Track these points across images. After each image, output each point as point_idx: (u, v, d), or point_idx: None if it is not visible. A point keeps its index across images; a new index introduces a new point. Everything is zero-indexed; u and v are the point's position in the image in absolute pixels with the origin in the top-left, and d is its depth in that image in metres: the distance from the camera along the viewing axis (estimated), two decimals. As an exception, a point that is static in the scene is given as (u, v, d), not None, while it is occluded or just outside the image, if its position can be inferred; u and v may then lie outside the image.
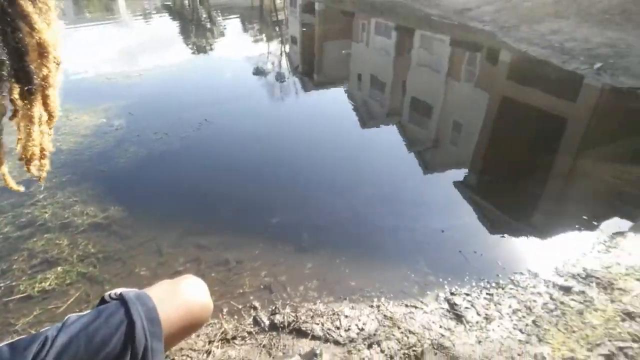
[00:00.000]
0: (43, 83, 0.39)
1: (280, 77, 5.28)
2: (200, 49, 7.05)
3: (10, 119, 0.41)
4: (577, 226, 2.14)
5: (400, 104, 4.79)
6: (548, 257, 1.89)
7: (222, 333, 1.45)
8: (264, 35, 8.51)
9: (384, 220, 2.25)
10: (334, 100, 4.73)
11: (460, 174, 2.88)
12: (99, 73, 5.22)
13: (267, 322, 1.49)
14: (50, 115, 0.42)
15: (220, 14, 11.76)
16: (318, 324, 1.48)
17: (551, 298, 1.57)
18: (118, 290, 0.79)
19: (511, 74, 5.22)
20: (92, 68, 5.46)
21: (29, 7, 0.35)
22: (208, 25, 9.92)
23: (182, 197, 2.52)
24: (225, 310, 1.60)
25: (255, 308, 1.59)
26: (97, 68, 5.45)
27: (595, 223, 2.12)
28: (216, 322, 1.51)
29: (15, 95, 0.37)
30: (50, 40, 0.37)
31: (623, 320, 1.42)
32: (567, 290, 1.60)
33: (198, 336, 1.44)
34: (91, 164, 2.79)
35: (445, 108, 4.61)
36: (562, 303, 1.54)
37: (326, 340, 1.41)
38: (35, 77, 0.38)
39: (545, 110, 4.01)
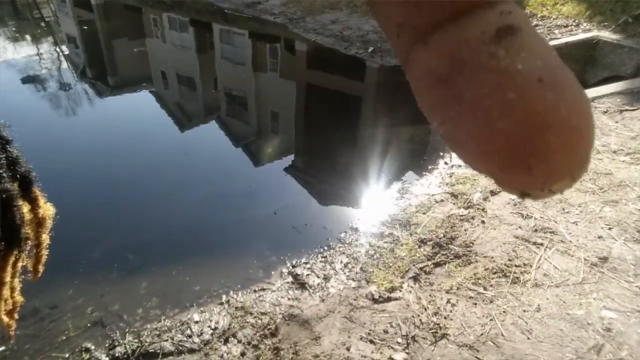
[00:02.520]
0: (39, 247, 0.46)
1: (63, 85, 4.47)
2: None
3: None
4: (379, 182, 2.58)
5: (216, 101, 4.73)
6: (363, 213, 2.23)
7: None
8: (26, 35, 6.99)
9: (217, 218, 2.23)
10: (141, 104, 4.31)
11: (287, 160, 3.07)
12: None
13: (106, 361, 1.31)
14: (37, 271, 0.47)
15: (-47, 10, 9.08)
16: (167, 339, 1.38)
17: (370, 245, 1.88)
18: None
19: (309, 62, 5.77)
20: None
21: (38, 192, 0.44)
22: (-63, 26, 7.52)
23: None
24: (45, 367, 1.32)
25: (88, 350, 1.37)
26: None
27: (391, 177, 2.60)
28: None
29: (11, 261, 0.41)
30: (48, 213, 0.45)
31: (419, 247, 1.81)
32: (380, 235, 1.94)
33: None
34: None
35: (260, 100, 4.79)
36: (378, 247, 1.85)
37: (180, 353, 1.33)
38: (27, 242, 0.44)
39: (344, 92, 4.62)
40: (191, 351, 1.34)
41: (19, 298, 0.46)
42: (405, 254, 1.76)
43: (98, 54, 6.53)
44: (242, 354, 1.33)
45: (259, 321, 1.46)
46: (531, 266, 1.54)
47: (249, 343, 1.36)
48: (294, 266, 1.79)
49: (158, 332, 1.41)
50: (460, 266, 1.61)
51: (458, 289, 1.49)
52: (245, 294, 1.62)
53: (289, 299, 1.58)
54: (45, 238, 0.47)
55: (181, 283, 1.70)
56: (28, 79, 4.47)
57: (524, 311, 1.37)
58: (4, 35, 7.08)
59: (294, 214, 2.28)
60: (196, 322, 1.46)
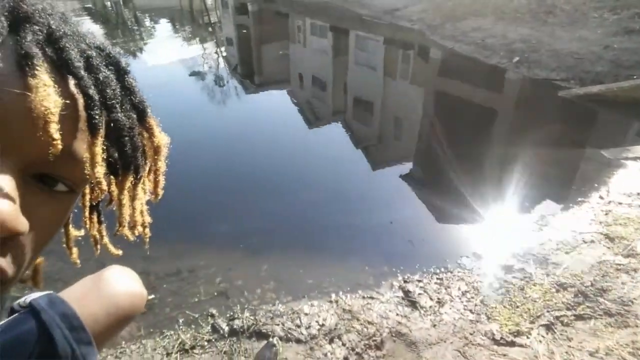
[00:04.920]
0: (157, 173, 0.50)
1: (219, 80, 5.14)
2: (128, 53, 6.65)
3: (108, 205, 0.49)
4: (512, 209, 2.32)
5: (344, 103, 4.89)
6: (490, 239, 2.03)
7: (179, 344, 1.37)
8: (197, 37, 8.23)
9: (334, 218, 2.28)
10: (278, 101, 4.70)
11: (405, 167, 3.00)
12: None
13: (226, 329, 1.44)
14: (157, 194, 0.52)
15: (147, 16, 11.18)
16: (278, 324, 1.45)
17: (495, 277, 1.69)
18: (28, 298, 0.67)
19: (442, 70, 5.54)
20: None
21: (152, 121, 0.46)
22: (135, 28, 9.38)
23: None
24: (181, 320, 1.52)
25: (212, 315, 1.53)
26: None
27: (528, 205, 2.32)
28: (172, 334, 1.43)
29: (128, 184, 0.46)
30: (163, 141, 0.48)
31: (557, 291, 1.57)
32: (508, 269, 1.73)
33: (155, 349, 1.36)
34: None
35: (386, 105, 4.78)
36: (505, 281, 1.66)
37: (288, 340, 1.39)
38: (146, 167, 0.48)
39: (477, 103, 4.31)
40: (298, 341, 1.39)
41: (139, 218, 0.50)
42: (539, 296, 1.54)
43: (249, 55, 7.33)
44: (345, 359, 1.33)
45: (365, 329, 1.44)
46: None
47: (352, 349, 1.35)
48: (405, 281, 1.72)
49: (271, 315, 1.51)
50: (612, 326, 1.34)
51: (607, 354, 1.23)
52: (353, 298, 1.62)
53: (397, 314, 1.52)
54: (162, 164, 0.49)
55: (296, 273, 1.79)
56: (194, 73, 5.26)
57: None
58: (182, 37, 8.45)
59: (411, 227, 2.20)
60: (306, 314, 1.51)
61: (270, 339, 0.88)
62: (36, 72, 0.32)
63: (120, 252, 0.55)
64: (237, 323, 1.46)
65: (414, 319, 1.50)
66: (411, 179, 2.80)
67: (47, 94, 0.32)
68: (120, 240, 0.54)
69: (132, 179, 0.46)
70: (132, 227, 0.51)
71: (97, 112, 0.37)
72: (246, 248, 1.96)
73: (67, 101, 0.34)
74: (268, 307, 1.56)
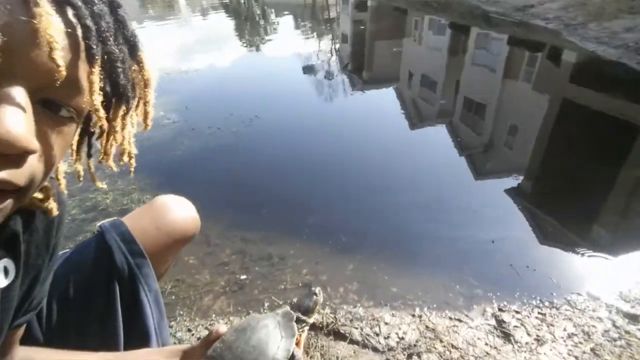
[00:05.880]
0: (146, 104, 0.53)
1: (329, 75, 5.28)
2: (253, 46, 7.23)
3: (98, 138, 0.53)
4: (646, 246, 1.95)
5: (452, 105, 4.62)
6: (612, 278, 1.74)
7: (262, 328, 1.47)
8: (315, 32, 8.55)
9: (428, 226, 2.18)
10: (383, 99, 4.65)
11: (513, 180, 2.72)
12: (159, 68, 5.50)
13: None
14: (147, 125, 0.56)
15: (273, 11, 11.97)
16: (357, 328, 1.46)
17: (614, 325, 1.44)
18: (99, 223, 0.85)
19: (576, 76, 4.85)
20: (153, 63, 5.77)
21: (143, 55, 0.49)
22: (261, 23, 10.14)
23: (230, 190, 2.60)
24: (267, 304, 1.62)
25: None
26: (157, 63, 5.76)
27: (669, 244, 1.92)
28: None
29: (120, 114, 0.49)
30: (152, 75, 0.52)
31: (699, 357, 1.28)
32: (634, 318, 1.46)
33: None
34: (149, 155, 2.95)
35: (501, 110, 4.38)
36: (627, 332, 1.40)
37: (364, 346, 1.39)
38: (136, 98, 0.51)
39: (613, 116, 3.69)
40: (375, 350, 1.37)
41: (128, 147, 0.53)
42: (672, 360, 1.27)
43: (361, 51, 7.37)
44: (421, 378, 1.28)
45: (448, 352, 1.36)
46: None
47: (431, 370, 1.29)
48: (500, 309, 1.57)
49: (351, 317, 1.52)
50: None
51: None
52: (439, 317, 1.54)
53: (486, 344, 1.40)
54: (151, 97, 0.52)
55: (381, 279, 1.76)
56: (306, 68, 5.49)
57: None
58: (303, 32, 8.88)
59: (514, 250, 1.99)
60: (386, 324, 1.48)
61: (313, 288, 0.89)
62: (39, 1, 0.35)
63: (105, 186, 0.60)
64: (317, 318, 1.51)
65: (506, 353, 1.36)
66: (519, 194, 2.53)
67: (50, 22, 0.35)
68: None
69: (124, 109, 0.49)
70: (121, 155, 0.54)
71: (94, 42, 0.40)
72: (335, 244, 2.00)
73: (69, 29, 0.37)
74: (349, 308, 1.58)
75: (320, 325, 1.47)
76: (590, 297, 1.61)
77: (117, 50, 0.44)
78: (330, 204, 2.43)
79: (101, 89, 0.43)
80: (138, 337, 0.82)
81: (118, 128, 0.50)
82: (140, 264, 0.80)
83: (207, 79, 5.14)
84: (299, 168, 2.88)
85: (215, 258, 1.90)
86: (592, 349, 1.35)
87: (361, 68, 6.07)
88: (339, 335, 1.43)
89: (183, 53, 6.61)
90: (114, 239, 0.79)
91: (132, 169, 0.57)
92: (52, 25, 0.35)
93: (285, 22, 10.31)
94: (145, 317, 0.82)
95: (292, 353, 0.76)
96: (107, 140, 0.52)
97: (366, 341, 1.40)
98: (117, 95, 0.47)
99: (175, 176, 2.70)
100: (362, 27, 9.02)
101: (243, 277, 1.77)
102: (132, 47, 0.48)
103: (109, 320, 0.78)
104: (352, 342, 1.41)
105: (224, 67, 5.75)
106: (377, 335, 1.43)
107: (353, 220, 2.23)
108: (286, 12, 11.74)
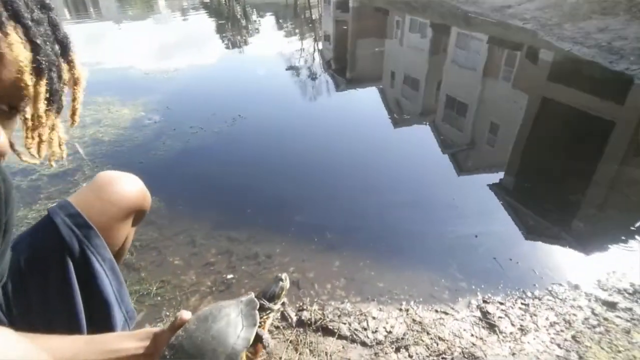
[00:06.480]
0: (75, 101, 0.57)
1: (312, 75, 5.28)
2: (234, 46, 7.17)
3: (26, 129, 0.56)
4: (622, 237, 2.01)
5: (435, 103, 4.68)
6: (590, 268, 1.79)
7: (250, 327, 1.46)
8: (297, 32, 8.54)
9: (413, 222, 2.21)
10: (366, 98, 4.68)
11: (495, 176, 2.78)
12: (139, 68, 5.41)
13: (294, 318, 1.50)
14: (74, 121, 0.59)
15: (255, 11, 11.90)
16: (345, 323, 1.46)
17: (593, 313, 1.49)
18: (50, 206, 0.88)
19: (553, 74, 4.99)
20: (132, 63, 5.66)
21: (74, 55, 0.53)
22: (243, 22, 10.06)
23: (215, 190, 2.57)
24: (253, 304, 1.61)
25: (284, 303, 1.59)
26: (137, 63, 5.65)
27: (644, 235, 1.99)
28: (244, 316, 1.53)
29: (41, 112, 0.51)
30: (82, 74, 0.55)
31: (673, 340, 1.33)
32: (612, 305, 1.51)
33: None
34: (130, 156, 2.89)
35: (482, 108, 4.47)
36: (605, 319, 1.45)
37: (353, 341, 1.39)
38: (63, 99, 0.54)
39: (589, 113, 3.81)
40: (363, 344, 1.38)
41: (55, 135, 0.57)
42: (648, 344, 1.32)
43: (343, 51, 7.40)
44: (410, 370, 1.29)
45: (435, 345, 1.37)
46: None
47: (419, 362, 1.31)
48: (485, 301, 1.60)
49: (339, 313, 1.52)
50: None
51: None
52: (425, 310, 1.56)
53: (472, 335, 1.43)
54: (80, 95, 0.57)
55: (367, 275, 1.77)
56: (289, 67, 5.48)
57: None
58: (285, 32, 8.84)
59: (497, 243, 2.03)
60: (374, 318, 1.49)
61: (279, 274, 0.89)
62: (8, 32, 0.41)
63: (37, 161, 0.62)
64: (305, 315, 1.50)
65: (491, 343, 1.39)
66: (501, 189, 2.58)
67: (20, 50, 0.42)
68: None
69: (56, 108, 0.53)
70: (51, 157, 0.59)
71: (43, 58, 0.45)
72: (321, 242, 2.00)
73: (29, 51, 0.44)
74: (336, 304, 1.58)
75: (309, 322, 1.47)
76: (571, 286, 1.66)
77: (51, 53, 0.49)
78: (316, 202, 2.43)
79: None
80: (99, 307, 0.83)
81: (44, 121, 0.54)
82: (88, 235, 0.81)
83: (189, 79, 5.07)
84: (283, 167, 2.87)
85: (201, 258, 1.88)
86: (573, 337, 1.39)
87: (344, 67, 6.10)
88: (327, 331, 1.43)
89: (163, 53, 6.51)
90: (59, 215, 0.81)
91: (57, 158, 0.60)
92: (22, 54, 0.43)
93: (268, 22, 10.27)
94: (103, 286, 0.83)
95: (259, 335, 0.77)
96: (33, 131, 0.56)
97: (354, 336, 1.41)
98: (51, 97, 0.51)
99: (157, 177, 2.66)
100: (345, 27, 9.06)
101: (230, 276, 1.75)
102: (64, 48, 0.51)
103: (67, 295, 0.79)
104: (341, 337, 1.41)
105: (206, 67, 5.69)
106: (365, 329, 1.44)
107: (339, 218, 2.24)
108: (268, 12, 11.69)
